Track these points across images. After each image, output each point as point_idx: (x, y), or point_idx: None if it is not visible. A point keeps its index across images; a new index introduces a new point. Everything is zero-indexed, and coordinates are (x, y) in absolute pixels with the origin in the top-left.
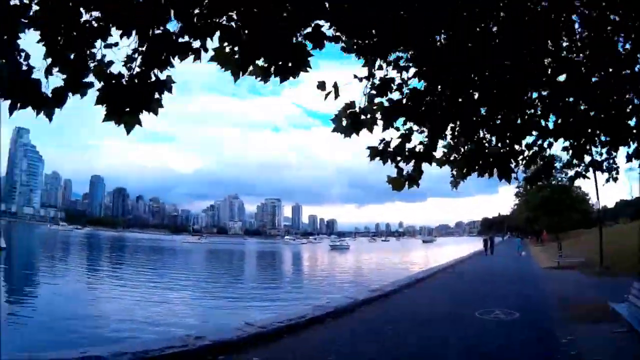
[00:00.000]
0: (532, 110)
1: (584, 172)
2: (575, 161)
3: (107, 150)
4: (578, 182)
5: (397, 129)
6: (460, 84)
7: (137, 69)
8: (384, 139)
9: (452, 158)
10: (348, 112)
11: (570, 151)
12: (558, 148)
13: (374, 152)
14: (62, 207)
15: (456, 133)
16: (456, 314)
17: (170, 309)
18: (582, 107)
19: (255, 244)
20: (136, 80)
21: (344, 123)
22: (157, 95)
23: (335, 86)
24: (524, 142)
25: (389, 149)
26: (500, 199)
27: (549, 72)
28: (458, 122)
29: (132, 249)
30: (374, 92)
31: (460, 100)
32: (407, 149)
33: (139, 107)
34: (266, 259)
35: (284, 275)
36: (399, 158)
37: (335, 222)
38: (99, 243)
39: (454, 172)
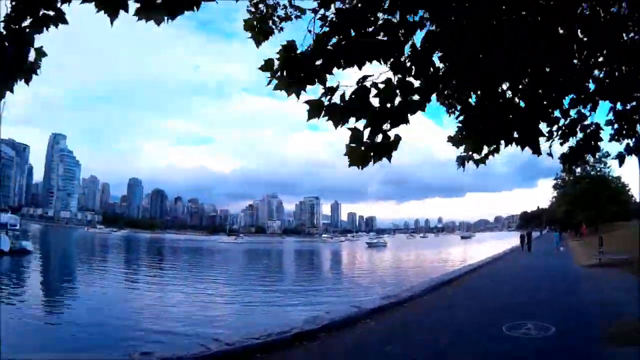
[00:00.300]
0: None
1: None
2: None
3: (146, 153)
4: (620, 171)
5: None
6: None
7: None
8: (330, 87)
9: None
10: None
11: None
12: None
13: (315, 108)
14: (100, 210)
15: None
16: (479, 329)
17: (185, 311)
18: None
19: (292, 243)
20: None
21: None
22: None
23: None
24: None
25: (339, 103)
26: (539, 192)
27: None
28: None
29: (165, 250)
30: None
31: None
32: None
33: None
34: (296, 258)
35: (308, 276)
36: (358, 115)
37: (375, 219)
38: (133, 245)
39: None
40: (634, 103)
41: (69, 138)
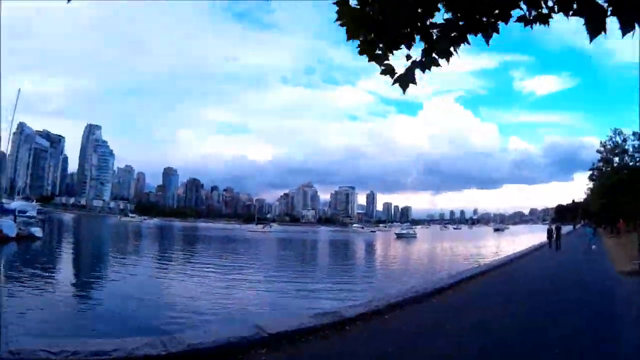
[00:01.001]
0: None
1: None
2: None
3: (183, 142)
4: None
5: None
6: None
7: None
8: None
9: None
10: None
11: None
12: None
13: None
14: (135, 199)
15: None
16: None
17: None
18: None
19: (321, 233)
20: None
21: None
22: None
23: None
24: None
25: None
26: (575, 185)
27: None
28: None
29: (186, 238)
30: None
31: None
32: None
33: None
34: (313, 249)
35: (314, 269)
36: None
37: (410, 209)
38: (152, 233)
39: None
40: None
41: (106, 129)
